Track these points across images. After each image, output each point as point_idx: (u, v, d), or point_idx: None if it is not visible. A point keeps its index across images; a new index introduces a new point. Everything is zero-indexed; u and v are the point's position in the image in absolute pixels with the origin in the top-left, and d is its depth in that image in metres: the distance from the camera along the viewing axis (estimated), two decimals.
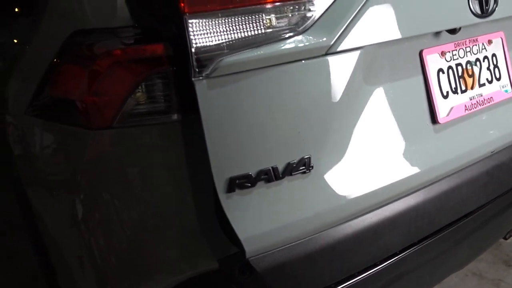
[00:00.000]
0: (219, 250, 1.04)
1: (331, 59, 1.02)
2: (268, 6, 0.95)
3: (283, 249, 1.04)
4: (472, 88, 1.34)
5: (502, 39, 1.42)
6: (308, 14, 0.99)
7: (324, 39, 0.99)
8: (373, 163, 1.14)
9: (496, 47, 1.40)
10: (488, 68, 1.38)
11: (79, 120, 1.01)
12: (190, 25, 0.89)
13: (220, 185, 0.97)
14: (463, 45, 1.32)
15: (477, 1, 1.24)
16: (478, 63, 1.36)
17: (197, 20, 0.89)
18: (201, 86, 0.92)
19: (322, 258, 1.08)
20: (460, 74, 1.31)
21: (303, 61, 0.99)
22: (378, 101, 1.15)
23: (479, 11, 1.25)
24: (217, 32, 0.91)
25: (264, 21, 0.95)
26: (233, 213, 0.99)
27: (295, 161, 1.02)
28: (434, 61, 1.25)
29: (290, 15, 0.98)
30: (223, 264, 1.04)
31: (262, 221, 1.02)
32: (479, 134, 1.36)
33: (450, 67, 1.29)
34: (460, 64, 1.31)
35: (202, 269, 1.06)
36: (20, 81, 1.25)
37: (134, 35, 0.99)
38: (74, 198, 1.08)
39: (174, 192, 1.03)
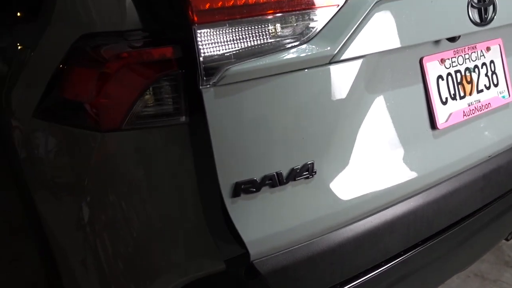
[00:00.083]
0: (226, 252, 1.06)
1: (334, 67, 1.05)
2: (274, 16, 0.98)
3: (286, 252, 1.07)
4: (470, 94, 1.37)
5: (500, 46, 1.45)
6: (312, 24, 1.02)
7: (328, 48, 1.02)
8: (374, 168, 1.17)
9: (494, 54, 1.43)
10: (486, 75, 1.41)
11: (88, 122, 1.03)
12: (198, 35, 0.91)
13: (225, 190, 1.00)
14: (462, 52, 1.35)
15: (476, 10, 1.27)
16: (476, 69, 1.39)
17: (206, 30, 0.92)
18: (208, 94, 0.94)
19: (323, 261, 1.11)
20: (459, 80, 1.34)
21: (307, 70, 1.02)
22: (379, 108, 1.18)
23: (478, 20, 1.28)
24: (224, 41, 0.94)
25: (270, 31, 0.98)
26: (238, 217, 1.01)
27: (298, 166, 1.05)
28: (434, 68, 1.28)
29: (295, 25, 1.00)
30: (230, 265, 1.06)
31: (266, 225, 1.04)
32: (477, 139, 1.39)
33: (449, 74, 1.32)
34: (459, 71, 1.34)
35: (209, 270, 1.07)
36: (27, 84, 1.27)
37: (143, 38, 1.01)
38: (82, 200, 1.10)
39: (182, 193, 1.05)
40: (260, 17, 0.96)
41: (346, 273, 1.15)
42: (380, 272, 1.18)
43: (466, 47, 1.36)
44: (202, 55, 0.92)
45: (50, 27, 1.17)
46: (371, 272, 1.18)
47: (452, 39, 1.29)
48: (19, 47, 1.44)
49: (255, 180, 1.01)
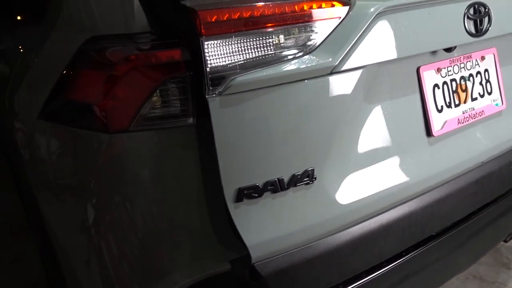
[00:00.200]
0: (231, 252, 1.09)
1: (335, 78, 1.09)
2: (278, 29, 1.01)
3: (286, 255, 1.10)
4: (465, 102, 1.41)
5: (494, 55, 1.49)
6: (315, 36, 1.05)
7: (330, 59, 1.06)
8: (371, 174, 1.21)
9: (488, 63, 1.47)
10: (481, 83, 1.46)
11: (96, 123, 1.04)
12: (206, 46, 0.95)
13: (229, 195, 1.03)
14: (457, 61, 1.39)
15: (472, 21, 1.31)
16: (471, 78, 1.43)
17: (212, 42, 0.95)
18: (214, 102, 0.98)
19: (322, 263, 1.15)
20: (454, 89, 1.38)
21: (309, 80, 1.06)
22: (377, 116, 1.22)
23: (474, 31, 1.32)
24: (230, 53, 0.97)
25: (274, 43, 1.01)
26: (241, 221, 1.05)
27: (299, 173, 1.09)
28: (430, 77, 1.32)
29: (297, 37, 1.04)
30: (234, 265, 1.09)
31: (267, 229, 1.08)
32: (471, 145, 1.43)
33: (445, 83, 1.36)
34: (454, 80, 1.38)
35: (213, 271, 1.10)
36: (31, 86, 1.28)
37: (151, 41, 1.02)
38: (87, 201, 1.11)
39: (188, 194, 1.07)
40: (264, 29, 1.00)
41: (343, 275, 1.19)
42: (378, 274, 1.22)
43: (462, 57, 1.40)
44: (209, 65, 0.96)
45: (56, 30, 1.18)
46: (369, 274, 1.21)
47: (448, 50, 1.33)
48: (22, 50, 1.45)
49: (258, 185, 1.05)
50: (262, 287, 1.09)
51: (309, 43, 1.05)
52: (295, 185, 1.09)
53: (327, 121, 1.11)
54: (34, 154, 1.27)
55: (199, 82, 0.98)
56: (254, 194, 1.05)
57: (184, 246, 1.09)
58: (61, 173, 1.20)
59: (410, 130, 1.29)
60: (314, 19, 1.05)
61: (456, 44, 1.32)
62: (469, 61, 1.42)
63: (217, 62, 0.96)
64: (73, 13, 1.14)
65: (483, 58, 1.46)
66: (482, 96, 1.46)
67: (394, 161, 1.25)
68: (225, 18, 0.96)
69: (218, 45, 0.96)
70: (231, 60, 0.98)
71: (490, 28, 1.35)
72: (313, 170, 1.10)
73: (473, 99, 1.44)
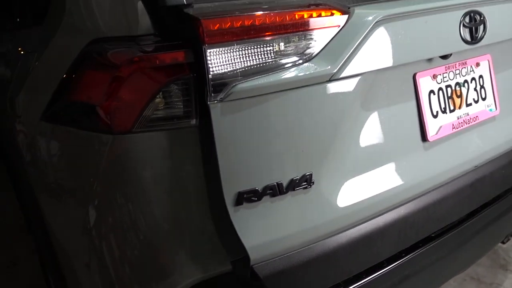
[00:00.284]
0: (232, 253, 1.11)
1: (334, 85, 1.11)
2: (278, 37, 1.03)
3: (284, 257, 1.13)
4: (459, 107, 1.44)
5: (489, 61, 1.52)
6: (314, 44, 1.08)
7: (329, 67, 1.08)
8: (368, 178, 1.24)
9: (483, 69, 1.50)
10: (475, 89, 1.49)
11: (99, 124, 1.05)
12: (208, 54, 0.97)
13: (229, 198, 1.05)
14: (453, 68, 1.42)
15: (468, 29, 1.34)
16: (466, 84, 1.46)
17: (215, 50, 0.97)
18: (215, 108, 1.00)
19: (318, 265, 1.18)
20: (449, 95, 1.41)
21: (308, 87, 1.08)
22: (374, 122, 1.25)
23: (469, 39, 1.35)
24: (232, 60, 0.99)
25: (274, 51, 1.04)
26: (240, 224, 1.07)
27: (298, 177, 1.11)
28: (426, 84, 1.35)
29: (297, 45, 1.06)
30: (236, 266, 1.11)
31: (266, 232, 1.11)
32: (465, 150, 1.46)
33: (440, 89, 1.39)
34: (449, 86, 1.41)
35: (215, 272, 1.12)
36: (34, 88, 1.29)
37: (155, 43, 1.03)
38: (90, 202, 1.13)
39: (191, 195, 1.08)
40: (265, 37, 1.02)
41: (340, 277, 1.22)
42: (375, 276, 1.25)
43: (457, 63, 1.43)
44: (211, 73, 0.98)
45: (58, 32, 1.19)
46: (366, 276, 1.24)
47: (444, 57, 1.35)
48: (23, 52, 1.45)
49: (257, 190, 1.07)
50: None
51: (308, 51, 1.07)
52: (294, 189, 1.12)
53: (325, 127, 1.14)
54: (36, 155, 1.28)
55: (202, 84, 0.99)
56: (253, 198, 1.07)
57: (186, 247, 1.11)
58: (64, 174, 1.21)
59: (405, 135, 1.32)
60: (313, 27, 1.07)
61: (451, 52, 1.35)
62: (464, 67, 1.45)
63: (219, 70, 0.98)
64: (75, 15, 1.15)
65: (478, 64, 1.49)
66: (476, 101, 1.49)
67: (390, 165, 1.28)
68: (227, 27, 0.98)
69: (220, 53, 0.98)
70: (233, 67, 1.00)
71: (485, 35, 1.38)
72: (311, 174, 1.13)
73: (468, 105, 1.46)
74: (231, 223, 1.07)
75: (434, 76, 1.37)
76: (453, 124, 1.42)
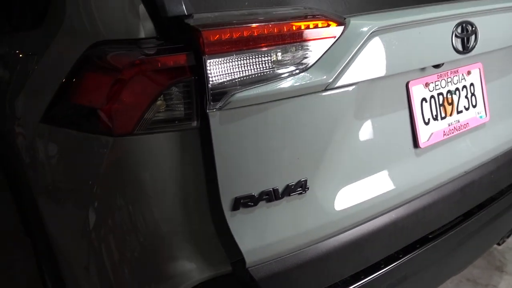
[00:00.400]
0: (232, 254, 1.12)
1: (329, 94, 1.14)
2: (276, 48, 1.06)
3: (278, 260, 1.16)
4: (450, 115, 1.48)
5: (480, 69, 1.56)
6: (311, 54, 1.11)
7: (324, 77, 1.11)
8: (361, 184, 1.27)
9: (474, 77, 1.54)
10: (466, 96, 1.52)
11: (100, 127, 1.06)
12: (208, 64, 0.99)
13: (226, 204, 1.08)
14: (445, 76, 1.45)
15: (460, 40, 1.38)
16: (457, 92, 1.50)
17: (215, 60, 1.00)
18: (214, 116, 1.03)
19: (312, 268, 1.21)
20: (441, 102, 1.45)
21: (304, 96, 1.11)
22: (367, 129, 1.28)
23: (461, 48, 1.38)
24: (230, 70, 1.02)
25: (272, 61, 1.06)
26: (237, 229, 1.10)
27: (293, 183, 1.15)
28: (418, 91, 1.38)
29: (294, 56, 1.09)
30: (236, 267, 1.12)
31: (261, 236, 1.14)
32: (455, 156, 1.50)
33: (432, 96, 1.42)
34: (441, 94, 1.45)
35: (215, 273, 1.13)
36: (34, 91, 1.31)
37: (157, 46, 1.03)
38: (90, 204, 1.14)
39: (191, 197, 1.10)
40: (263, 48, 1.05)
41: (333, 279, 1.26)
42: (368, 279, 1.28)
43: (449, 71, 1.46)
44: (210, 82, 1.00)
45: (59, 34, 1.20)
46: (359, 279, 1.28)
47: (436, 65, 1.39)
48: (22, 55, 1.46)
49: (253, 195, 1.10)
50: None
51: (305, 61, 1.10)
52: (289, 195, 1.15)
53: (321, 134, 1.17)
54: (36, 157, 1.29)
55: (203, 87, 1.00)
56: (250, 203, 1.10)
57: (186, 248, 1.12)
58: (63, 176, 1.23)
59: (398, 142, 1.36)
60: (310, 38, 1.10)
61: (444, 61, 1.38)
62: (456, 75, 1.49)
63: (218, 79, 1.01)
64: (77, 18, 1.17)
65: (469, 72, 1.52)
66: (467, 109, 1.53)
67: (383, 171, 1.32)
68: (226, 37, 1.00)
69: (220, 63, 1.01)
70: (232, 77, 1.02)
71: (476, 45, 1.42)
72: (306, 180, 1.16)
73: (459, 112, 1.50)
74: (228, 227, 1.10)
75: (427, 84, 1.41)
76: (444, 131, 1.45)
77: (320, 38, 1.11)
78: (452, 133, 1.48)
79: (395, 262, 1.35)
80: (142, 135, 1.04)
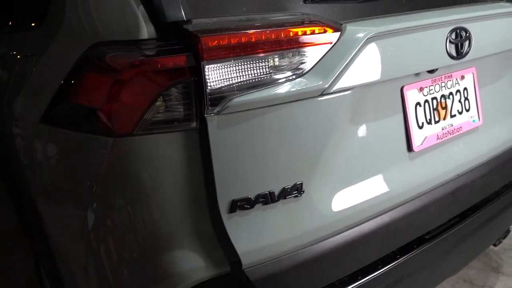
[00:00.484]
0: (230, 255, 1.13)
1: (325, 99, 1.16)
2: (273, 53, 1.08)
3: (274, 262, 1.18)
4: (444, 119, 1.50)
5: (473, 74, 1.58)
6: (307, 60, 1.12)
7: (321, 82, 1.13)
8: (355, 187, 1.30)
9: (467, 82, 1.57)
10: (460, 101, 1.55)
11: (100, 127, 1.07)
12: (206, 70, 1.01)
13: (223, 206, 1.10)
14: (439, 80, 1.48)
15: (454, 45, 1.40)
16: (451, 96, 1.52)
17: (213, 66, 1.01)
18: (212, 121, 1.04)
19: (307, 269, 1.23)
20: (435, 106, 1.47)
21: (300, 101, 1.13)
22: (362, 133, 1.30)
23: (455, 54, 1.41)
24: (229, 75, 1.04)
25: (269, 67, 1.08)
26: (233, 231, 1.12)
27: (289, 186, 1.16)
28: (413, 96, 1.41)
29: (291, 61, 1.10)
30: (234, 268, 1.14)
31: (257, 238, 1.16)
32: (448, 159, 1.53)
33: (426, 101, 1.45)
34: (435, 98, 1.47)
35: (214, 273, 1.14)
36: (33, 91, 1.32)
37: (157, 47, 1.04)
38: (90, 204, 1.15)
39: (191, 198, 1.10)
40: (261, 53, 1.06)
41: (327, 280, 1.28)
42: (363, 281, 1.30)
43: (443, 76, 1.49)
44: (209, 87, 1.02)
45: (58, 35, 1.21)
46: (354, 280, 1.30)
47: (431, 70, 1.41)
48: (22, 55, 1.46)
49: (250, 198, 1.12)
50: None
51: (302, 66, 1.12)
52: (285, 198, 1.17)
53: (316, 138, 1.19)
54: (35, 158, 1.30)
55: (202, 89, 1.01)
56: (246, 206, 1.12)
57: (185, 249, 1.13)
58: (62, 177, 1.24)
59: (392, 145, 1.38)
60: (307, 44, 1.12)
61: (438, 67, 1.40)
62: (450, 80, 1.51)
63: (216, 84, 1.03)
64: (76, 19, 1.17)
65: (463, 77, 1.55)
66: (460, 113, 1.55)
67: (377, 175, 1.34)
68: (225, 43, 1.02)
69: (218, 68, 1.02)
70: (230, 82, 1.04)
71: (470, 51, 1.44)
72: (301, 184, 1.18)
73: (452, 116, 1.53)
74: (225, 229, 1.11)
75: (421, 89, 1.43)
76: (437, 135, 1.48)
77: (317, 44, 1.13)
78: (446, 136, 1.50)
79: (392, 263, 1.37)
80: (141, 135, 1.05)
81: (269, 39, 1.07)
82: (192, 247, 1.14)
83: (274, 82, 1.09)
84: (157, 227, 1.11)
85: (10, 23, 1.61)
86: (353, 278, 1.31)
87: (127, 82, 1.03)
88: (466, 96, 1.57)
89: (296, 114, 1.13)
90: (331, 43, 1.15)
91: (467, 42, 1.43)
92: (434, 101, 1.47)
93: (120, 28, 1.08)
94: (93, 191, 1.14)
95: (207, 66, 1.01)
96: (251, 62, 1.06)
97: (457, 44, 1.41)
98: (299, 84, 1.11)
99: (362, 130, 1.30)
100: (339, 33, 1.16)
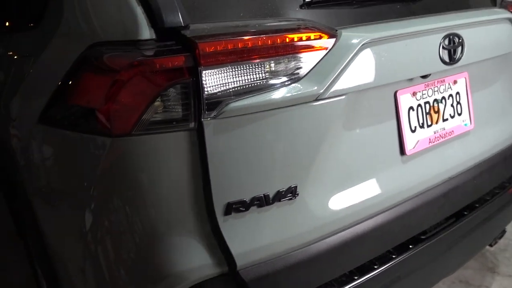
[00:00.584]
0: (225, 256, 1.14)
1: (319, 104, 1.18)
2: (269, 59, 1.10)
3: (268, 263, 1.20)
4: (436, 122, 1.53)
5: (466, 79, 1.61)
6: (303, 66, 1.14)
7: (315, 87, 1.15)
8: (348, 190, 1.32)
9: (460, 86, 1.59)
10: (452, 105, 1.57)
11: (98, 127, 1.07)
12: (203, 75, 1.02)
13: (219, 209, 1.12)
14: (432, 85, 1.50)
15: (447, 51, 1.42)
16: (443, 100, 1.54)
17: (210, 71, 1.03)
18: (208, 125, 1.06)
19: (301, 270, 1.25)
20: (427, 111, 1.49)
21: (295, 106, 1.15)
22: (356, 137, 1.32)
23: (448, 60, 1.43)
24: (225, 81, 1.05)
25: (265, 72, 1.10)
26: (228, 233, 1.14)
27: (284, 189, 1.18)
28: (406, 100, 1.43)
29: (287, 67, 1.12)
30: (231, 267, 1.15)
31: (252, 239, 1.18)
32: (440, 162, 1.56)
33: (419, 105, 1.47)
34: (428, 102, 1.50)
35: (212, 273, 1.15)
36: (30, 92, 1.32)
37: (156, 48, 1.04)
38: (87, 205, 1.16)
39: (188, 198, 1.11)
40: (257, 59, 1.08)
41: (321, 281, 1.30)
42: (362, 280, 1.33)
43: (436, 81, 1.51)
44: (206, 92, 1.04)
45: (56, 36, 1.22)
46: (349, 281, 1.32)
47: (424, 76, 1.44)
48: (18, 56, 1.46)
49: (245, 201, 1.14)
50: None
51: (297, 72, 1.14)
52: (279, 201, 1.19)
53: (311, 142, 1.21)
54: (32, 159, 1.30)
55: (200, 89, 1.03)
56: (241, 208, 1.14)
57: (183, 249, 1.13)
58: (61, 178, 1.24)
59: (385, 149, 1.40)
60: (302, 50, 1.13)
61: (431, 72, 1.43)
62: (443, 85, 1.54)
63: (213, 89, 1.04)
64: (74, 19, 1.18)
65: (455, 82, 1.57)
66: (452, 117, 1.58)
67: (370, 178, 1.36)
68: (222, 49, 1.04)
69: (215, 73, 1.04)
70: (226, 87, 1.06)
71: (462, 56, 1.47)
72: (296, 187, 1.20)
73: (444, 120, 1.55)
74: (220, 231, 1.13)
75: (414, 94, 1.45)
76: (430, 139, 1.50)
77: (312, 50, 1.15)
78: (438, 140, 1.53)
79: (388, 263, 1.39)
80: (140, 135, 1.05)
81: (265, 44, 1.09)
82: (189, 248, 1.15)
83: (270, 88, 1.11)
84: (154, 228, 1.12)
85: (7, 24, 1.61)
86: (350, 278, 1.34)
87: (125, 82, 1.03)
88: (458, 100, 1.59)
89: (291, 118, 1.15)
90: (326, 48, 1.17)
91: (460, 48, 1.46)
92: (427, 105, 1.50)
93: (118, 29, 1.08)
94: (91, 191, 1.15)
95: (204, 72, 1.03)
96: (248, 68, 1.08)
97: (450, 50, 1.43)
98: (295, 89, 1.13)
99: (356, 134, 1.32)
100: (334, 39, 1.18)
